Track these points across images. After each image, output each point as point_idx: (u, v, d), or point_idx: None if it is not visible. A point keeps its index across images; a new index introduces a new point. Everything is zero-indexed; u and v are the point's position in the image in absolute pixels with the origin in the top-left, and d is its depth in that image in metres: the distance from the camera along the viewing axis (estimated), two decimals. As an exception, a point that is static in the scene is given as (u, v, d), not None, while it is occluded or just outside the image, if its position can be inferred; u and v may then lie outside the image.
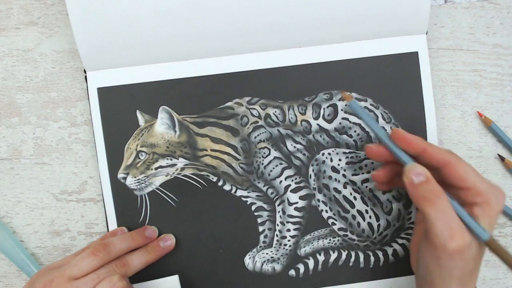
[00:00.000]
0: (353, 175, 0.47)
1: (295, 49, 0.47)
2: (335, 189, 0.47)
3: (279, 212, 0.48)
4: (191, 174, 0.47)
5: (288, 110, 0.47)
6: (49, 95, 0.48)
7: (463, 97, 0.49)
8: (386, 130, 0.41)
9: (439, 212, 0.37)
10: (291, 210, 0.47)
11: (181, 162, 0.47)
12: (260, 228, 0.48)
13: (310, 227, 0.48)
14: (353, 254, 0.48)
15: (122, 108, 0.47)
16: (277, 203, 0.48)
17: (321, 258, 0.48)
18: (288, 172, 0.47)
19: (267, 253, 0.47)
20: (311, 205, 0.48)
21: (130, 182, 0.47)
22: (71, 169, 0.48)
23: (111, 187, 0.47)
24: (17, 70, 0.48)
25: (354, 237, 0.48)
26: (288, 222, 0.47)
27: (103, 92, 0.47)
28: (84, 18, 0.45)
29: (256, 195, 0.47)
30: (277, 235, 0.48)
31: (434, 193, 0.37)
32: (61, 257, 0.48)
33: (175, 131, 0.47)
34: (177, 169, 0.47)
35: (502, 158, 0.49)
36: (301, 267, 0.48)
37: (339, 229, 0.48)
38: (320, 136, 0.47)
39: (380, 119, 0.47)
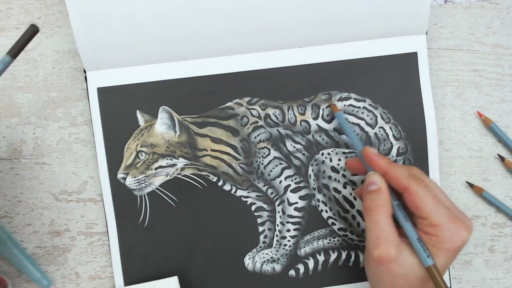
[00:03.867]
0: (353, 175, 0.47)
1: (295, 49, 0.47)
2: (335, 189, 0.47)
3: (279, 212, 0.48)
4: (191, 174, 0.47)
5: (288, 111, 0.48)
6: (49, 95, 0.48)
7: (463, 97, 0.49)
8: (363, 145, 0.43)
9: (371, 221, 0.40)
10: (291, 210, 0.48)
11: (181, 162, 0.47)
12: (260, 228, 0.48)
13: (310, 227, 0.48)
14: (353, 254, 0.48)
15: (122, 108, 0.47)
16: (277, 203, 0.48)
17: (321, 258, 0.48)
18: (287, 172, 0.48)
19: (267, 253, 0.48)
20: (311, 205, 0.48)
21: (130, 182, 0.47)
22: (71, 169, 0.48)
23: (111, 187, 0.47)
24: (17, 70, 0.48)
25: (354, 237, 0.48)
26: (288, 222, 0.48)
27: (103, 92, 0.47)
28: (84, 18, 0.45)
29: (256, 195, 0.48)
30: (277, 235, 0.48)
31: (374, 203, 0.40)
32: (61, 257, 0.48)
33: (175, 131, 0.47)
34: (177, 169, 0.47)
35: (502, 158, 0.49)
36: (301, 267, 0.48)
37: (339, 229, 0.48)
38: (320, 136, 0.48)
39: (380, 119, 0.48)
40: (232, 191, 0.48)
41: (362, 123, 0.48)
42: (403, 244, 0.39)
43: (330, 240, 0.48)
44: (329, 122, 0.48)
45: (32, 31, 0.41)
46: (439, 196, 0.40)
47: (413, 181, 0.39)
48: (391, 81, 0.47)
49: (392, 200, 0.40)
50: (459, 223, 0.38)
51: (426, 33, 0.47)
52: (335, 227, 0.48)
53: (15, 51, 0.41)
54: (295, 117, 0.48)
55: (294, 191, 0.48)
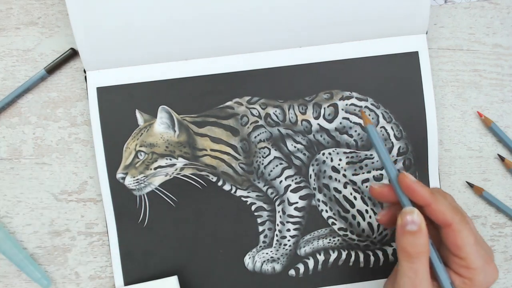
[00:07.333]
0: (353, 175, 0.46)
1: (295, 49, 0.46)
2: (335, 189, 0.46)
3: (279, 212, 0.46)
4: (191, 174, 0.46)
5: (289, 110, 0.46)
6: (49, 95, 0.47)
7: (463, 97, 0.48)
8: (397, 170, 0.37)
9: (410, 269, 0.35)
10: (291, 210, 0.46)
11: (180, 162, 0.46)
12: (260, 228, 0.46)
13: (310, 227, 0.46)
14: (353, 254, 0.47)
15: (121, 107, 0.46)
16: (277, 203, 0.46)
17: (321, 258, 0.46)
18: (288, 172, 0.46)
19: (267, 253, 0.46)
20: (311, 205, 0.46)
21: (129, 182, 0.45)
22: (71, 169, 0.47)
23: (110, 187, 0.45)
24: (17, 70, 0.47)
25: (354, 237, 0.46)
26: (288, 222, 0.46)
27: (102, 92, 0.45)
28: (84, 18, 0.44)
29: (256, 195, 0.46)
30: (277, 235, 0.46)
31: (416, 249, 0.35)
32: (61, 257, 0.47)
33: (175, 131, 0.46)
34: (176, 169, 0.46)
35: (502, 158, 0.47)
36: (301, 267, 0.46)
37: (339, 229, 0.46)
38: (321, 136, 0.46)
39: (381, 118, 0.46)
40: (232, 191, 0.46)
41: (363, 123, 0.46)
42: None
43: (330, 240, 0.46)
44: (330, 121, 0.46)
45: (71, 54, 0.46)
46: (478, 235, 0.36)
47: (457, 218, 0.35)
48: (393, 81, 0.46)
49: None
50: (493, 265, 0.36)
51: (426, 33, 0.46)
52: (335, 227, 0.46)
53: (51, 68, 0.46)
54: (296, 116, 0.46)
55: (294, 191, 0.46)
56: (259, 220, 0.46)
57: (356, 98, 0.46)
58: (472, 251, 0.35)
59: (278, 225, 0.46)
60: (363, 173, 0.46)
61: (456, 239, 0.35)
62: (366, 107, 0.46)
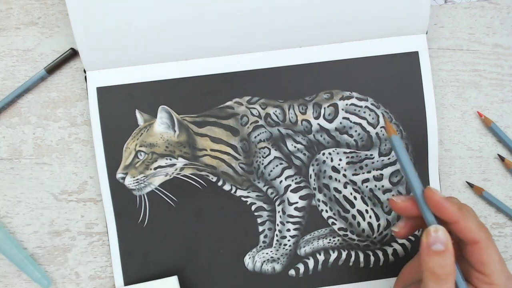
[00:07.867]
0: (353, 175, 0.46)
1: (295, 49, 0.46)
2: (335, 189, 0.46)
3: (279, 212, 0.46)
4: (191, 174, 0.45)
5: (289, 110, 0.46)
6: (49, 95, 0.46)
7: (463, 97, 0.47)
8: (421, 184, 0.35)
9: None
10: (291, 210, 0.46)
11: (180, 162, 0.45)
12: (260, 228, 0.46)
13: (310, 227, 0.46)
14: (353, 254, 0.46)
15: (121, 107, 0.45)
16: (277, 203, 0.46)
17: (321, 258, 0.46)
18: (288, 172, 0.46)
19: (267, 253, 0.46)
20: (311, 205, 0.46)
21: (129, 182, 0.45)
22: (71, 169, 0.46)
23: (110, 187, 0.45)
24: (17, 70, 0.47)
25: (354, 237, 0.46)
26: (288, 222, 0.46)
27: (102, 92, 0.45)
28: (84, 18, 0.43)
29: (256, 195, 0.46)
30: (277, 235, 0.46)
31: (444, 270, 0.33)
32: (61, 257, 0.46)
33: (175, 131, 0.45)
34: (176, 169, 0.45)
35: (502, 158, 0.47)
36: (301, 267, 0.46)
37: (339, 229, 0.46)
38: (321, 136, 0.46)
39: (381, 118, 0.46)
40: (232, 191, 0.46)
41: (364, 122, 0.46)
42: None
43: (330, 239, 0.46)
44: (330, 121, 0.46)
45: (71, 54, 0.46)
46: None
47: (483, 234, 0.34)
48: (393, 81, 0.46)
49: None
50: None
51: (426, 33, 0.46)
52: (335, 227, 0.46)
53: (51, 68, 0.46)
54: (296, 116, 0.46)
55: (294, 191, 0.46)
56: (259, 220, 0.46)
57: (356, 98, 0.46)
58: (497, 267, 0.34)
59: (278, 225, 0.46)
60: (363, 173, 0.46)
61: (483, 256, 0.34)
62: (366, 107, 0.46)
